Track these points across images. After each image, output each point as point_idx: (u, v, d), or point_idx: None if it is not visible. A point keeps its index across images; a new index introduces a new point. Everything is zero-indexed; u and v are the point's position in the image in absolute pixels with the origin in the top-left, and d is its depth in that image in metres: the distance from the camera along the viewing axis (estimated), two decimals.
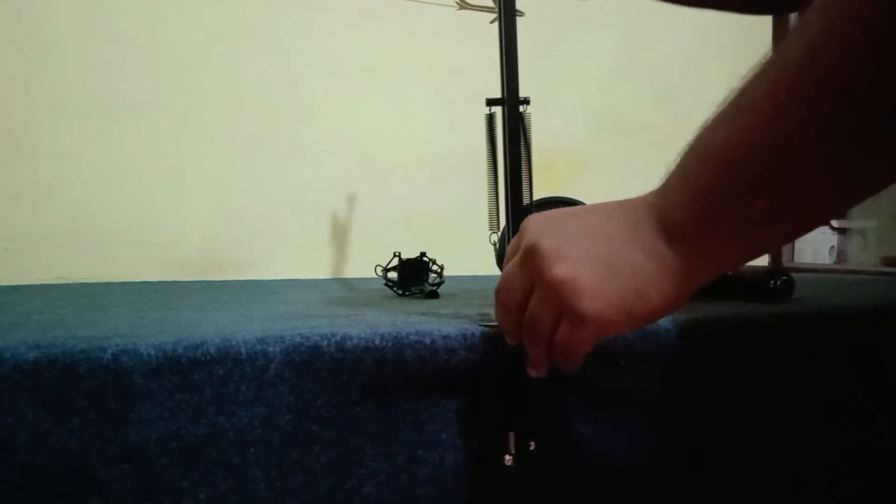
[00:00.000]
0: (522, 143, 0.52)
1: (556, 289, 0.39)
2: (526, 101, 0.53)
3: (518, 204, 0.53)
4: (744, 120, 0.34)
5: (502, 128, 0.52)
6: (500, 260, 0.53)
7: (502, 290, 0.43)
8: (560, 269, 0.38)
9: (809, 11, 0.32)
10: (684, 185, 0.38)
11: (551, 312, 0.40)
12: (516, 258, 0.42)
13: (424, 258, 0.79)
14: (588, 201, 0.72)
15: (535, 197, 0.71)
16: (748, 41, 1.52)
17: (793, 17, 1.47)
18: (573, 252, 0.39)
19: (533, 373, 0.45)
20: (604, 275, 0.38)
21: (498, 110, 0.53)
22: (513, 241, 0.44)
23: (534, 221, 0.42)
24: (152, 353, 0.41)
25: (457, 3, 0.63)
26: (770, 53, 0.34)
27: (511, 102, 0.51)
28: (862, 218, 1.55)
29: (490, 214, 0.56)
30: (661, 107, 1.41)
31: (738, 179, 0.35)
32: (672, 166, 0.39)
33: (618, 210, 0.41)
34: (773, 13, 1.39)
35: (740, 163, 0.35)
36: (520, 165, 0.52)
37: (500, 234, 0.58)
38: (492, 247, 0.58)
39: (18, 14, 0.96)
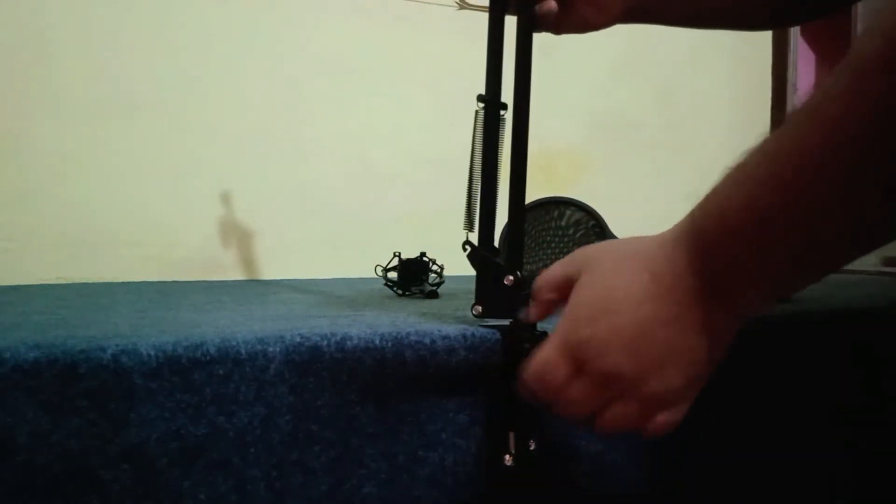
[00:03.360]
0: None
1: (647, 402, 0.40)
2: (504, 106, 0.52)
3: (520, 203, 0.52)
4: (795, 176, 0.34)
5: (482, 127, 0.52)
6: (490, 262, 0.51)
7: (564, 406, 0.42)
8: (650, 388, 0.40)
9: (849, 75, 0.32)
10: (754, 254, 0.37)
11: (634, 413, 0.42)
12: (575, 374, 0.41)
13: (424, 258, 0.79)
14: (588, 201, 0.72)
15: (536, 197, 0.71)
16: (748, 41, 1.52)
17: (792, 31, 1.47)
18: (655, 369, 0.40)
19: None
20: (687, 383, 0.40)
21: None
22: (555, 349, 0.42)
23: (585, 334, 0.40)
24: (152, 353, 0.41)
25: (457, 3, 0.63)
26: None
27: (493, 101, 0.52)
28: None
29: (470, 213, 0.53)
30: (661, 107, 1.41)
31: (807, 234, 0.35)
32: (708, 221, 0.38)
33: (663, 295, 0.39)
34: (772, 28, 1.39)
35: (810, 220, 0.35)
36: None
37: (501, 233, 0.57)
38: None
39: (18, 14, 0.96)
